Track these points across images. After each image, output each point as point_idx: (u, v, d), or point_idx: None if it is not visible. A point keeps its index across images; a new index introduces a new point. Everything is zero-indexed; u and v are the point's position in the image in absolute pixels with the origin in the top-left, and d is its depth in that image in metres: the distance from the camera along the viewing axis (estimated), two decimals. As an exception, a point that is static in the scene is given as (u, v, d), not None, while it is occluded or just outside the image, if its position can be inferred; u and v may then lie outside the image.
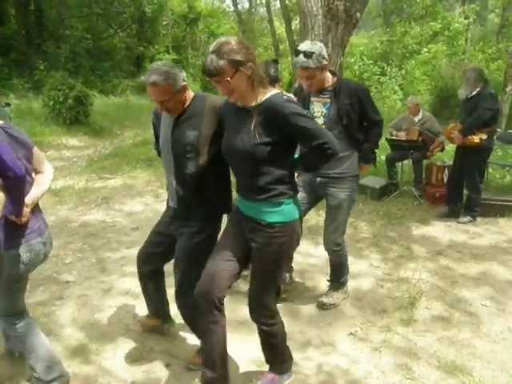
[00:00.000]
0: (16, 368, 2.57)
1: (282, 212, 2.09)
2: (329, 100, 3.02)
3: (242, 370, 2.63)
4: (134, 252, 4.30)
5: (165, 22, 23.84)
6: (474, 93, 4.87)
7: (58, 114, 10.95)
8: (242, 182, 2.18)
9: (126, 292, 3.54)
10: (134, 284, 3.57)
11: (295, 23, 18.74)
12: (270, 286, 2.22)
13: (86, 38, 20.56)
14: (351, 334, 3.01)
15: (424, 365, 2.69)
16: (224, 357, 2.28)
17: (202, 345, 2.38)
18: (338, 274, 3.34)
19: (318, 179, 3.10)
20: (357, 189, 3.21)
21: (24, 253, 2.16)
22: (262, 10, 27.86)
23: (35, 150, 2.28)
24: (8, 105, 9.52)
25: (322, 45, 2.92)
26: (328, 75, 3.01)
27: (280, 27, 23.94)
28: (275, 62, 3.17)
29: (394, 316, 3.21)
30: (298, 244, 2.25)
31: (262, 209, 2.10)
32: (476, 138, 4.82)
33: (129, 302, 3.40)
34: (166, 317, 2.94)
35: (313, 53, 2.79)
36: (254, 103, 2.02)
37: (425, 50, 18.62)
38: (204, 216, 2.39)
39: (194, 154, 2.27)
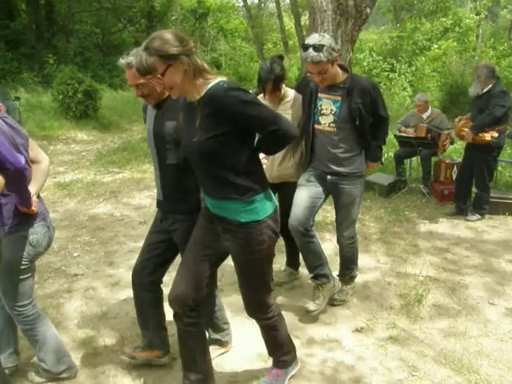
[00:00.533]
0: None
1: (256, 210, 1.99)
2: (340, 98, 2.92)
3: (247, 365, 2.63)
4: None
5: (174, 17, 23.87)
6: (485, 90, 4.82)
7: (67, 108, 11.03)
8: (204, 180, 2.06)
9: (134, 285, 3.56)
10: (141, 278, 3.60)
11: (304, 19, 18.71)
12: (258, 284, 2.16)
13: (96, 32, 20.67)
14: (357, 330, 3.00)
15: (430, 362, 2.68)
16: (204, 355, 2.25)
17: (180, 349, 2.27)
18: (349, 267, 3.34)
19: (329, 177, 3.08)
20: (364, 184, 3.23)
21: (30, 235, 2.20)
22: (272, 6, 27.80)
23: (30, 140, 2.29)
24: (18, 98, 9.59)
25: (329, 36, 2.82)
26: (338, 70, 2.91)
27: (289, 23, 23.87)
28: (280, 58, 3.05)
29: (401, 312, 3.20)
30: (277, 237, 2.14)
31: (234, 208, 1.99)
32: (487, 136, 4.77)
33: (136, 295, 3.42)
34: (165, 346, 2.62)
35: (323, 45, 2.68)
36: (197, 96, 1.91)
37: (435, 46, 18.45)
38: (191, 208, 2.31)
39: (173, 145, 2.21)
